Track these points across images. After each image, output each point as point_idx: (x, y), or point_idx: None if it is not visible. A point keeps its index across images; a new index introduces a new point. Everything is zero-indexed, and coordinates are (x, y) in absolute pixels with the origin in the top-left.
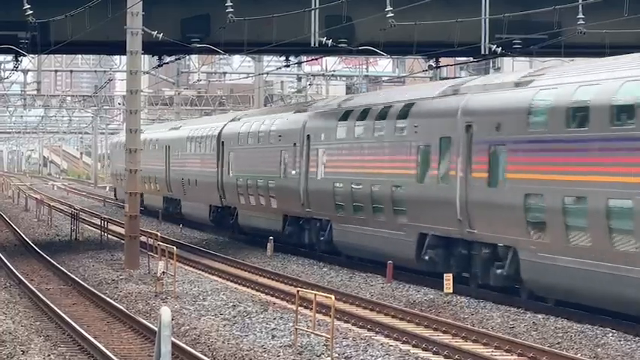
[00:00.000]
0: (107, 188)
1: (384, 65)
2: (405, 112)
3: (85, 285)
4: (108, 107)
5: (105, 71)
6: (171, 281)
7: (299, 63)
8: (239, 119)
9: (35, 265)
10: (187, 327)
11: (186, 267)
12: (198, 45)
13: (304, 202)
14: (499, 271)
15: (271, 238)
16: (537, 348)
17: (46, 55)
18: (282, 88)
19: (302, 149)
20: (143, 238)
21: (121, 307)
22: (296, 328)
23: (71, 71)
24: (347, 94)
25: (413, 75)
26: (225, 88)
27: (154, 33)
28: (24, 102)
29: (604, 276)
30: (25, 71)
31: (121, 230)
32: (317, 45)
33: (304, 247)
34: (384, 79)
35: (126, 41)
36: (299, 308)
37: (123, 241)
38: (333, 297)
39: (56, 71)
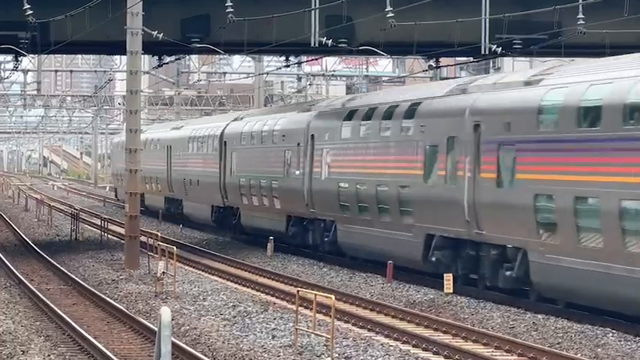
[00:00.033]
0: (107, 188)
1: (384, 65)
2: (411, 112)
3: (85, 285)
4: (108, 107)
5: (105, 71)
6: (171, 281)
7: (299, 63)
8: (241, 119)
9: (35, 265)
10: (187, 327)
11: (187, 267)
12: (199, 45)
13: (308, 202)
14: (508, 272)
15: (271, 238)
16: (537, 348)
17: (46, 55)
18: (283, 88)
19: (306, 149)
20: (143, 238)
21: (121, 307)
22: (296, 328)
23: (71, 71)
24: (347, 94)
25: (413, 75)
26: (226, 88)
27: (154, 33)
28: (24, 102)
29: (616, 278)
30: (25, 71)
31: (121, 230)
32: (317, 45)
33: (308, 248)
34: (384, 79)
35: (126, 41)
36: (299, 308)
37: (123, 241)
38: (333, 297)
39: (56, 71)
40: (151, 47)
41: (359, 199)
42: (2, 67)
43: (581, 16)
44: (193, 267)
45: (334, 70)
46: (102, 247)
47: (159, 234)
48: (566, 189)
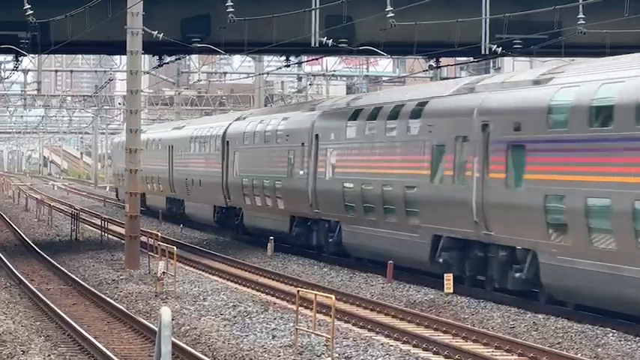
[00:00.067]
0: (107, 188)
1: (384, 65)
2: (418, 111)
3: (86, 285)
4: (108, 107)
5: (105, 71)
6: (171, 281)
7: (299, 63)
8: (244, 118)
9: (35, 265)
10: (188, 327)
11: (187, 267)
12: (199, 45)
13: (312, 202)
14: (517, 274)
15: (272, 238)
16: (538, 348)
17: (46, 55)
18: (283, 88)
19: (310, 149)
20: (143, 238)
21: (122, 307)
22: (296, 328)
23: (71, 71)
24: (347, 94)
25: (413, 75)
26: (226, 88)
27: (155, 33)
28: (24, 102)
29: (629, 280)
30: (26, 71)
31: (122, 230)
32: (317, 45)
33: (312, 249)
34: (384, 79)
35: (126, 41)
36: (299, 308)
37: (123, 241)
38: (333, 297)
39: (56, 71)
40: (151, 47)
41: (364, 200)
42: (2, 67)
43: (581, 16)
44: (193, 267)
45: (334, 70)
46: (102, 247)
47: (159, 234)
48: (578, 189)
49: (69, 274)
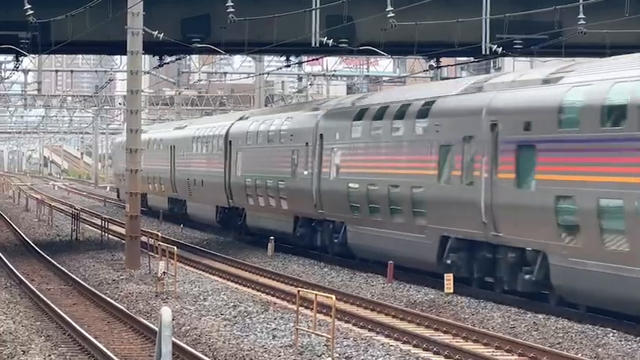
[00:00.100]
0: (108, 188)
1: (384, 65)
2: (425, 111)
3: (86, 285)
4: (108, 107)
5: (105, 71)
6: (171, 281)
7: (299, 63)
8: (247, 118)
9: (36, 265)
10: (188, 327)
11: (187, 267)
12: (199, 45)
13: (317, 203)
14: (527, 276)
15: (272, 238)
16: (538, 348)
17: (46, 55)
18: (283, 88)
19: (315, 149)
20: (144, 239)
21: (122, 307)
22: (297, 328)
23: (72, 71)
24: (348, 94)
25: (414, 75)
26: (226, 88)
27: (155, 33)
28: (24, 102)
29: None
30: (26, 71)
31: (122, 230)
32: (318, 45)
33: (316, 250)
34: (384, 79)
35: (126, 41)
36: (300, 308)
37: (123, 241)
38: (333, 297)
39: (57, 71)
40: (151, 47)
41: (370, 200)
42: (3, 67)
43: (581, 16)
44: (194, 267)
45: (335, 70)
46: (102, 247)
47: (159, 234)
48: (590, 190)
49: (69, 274)
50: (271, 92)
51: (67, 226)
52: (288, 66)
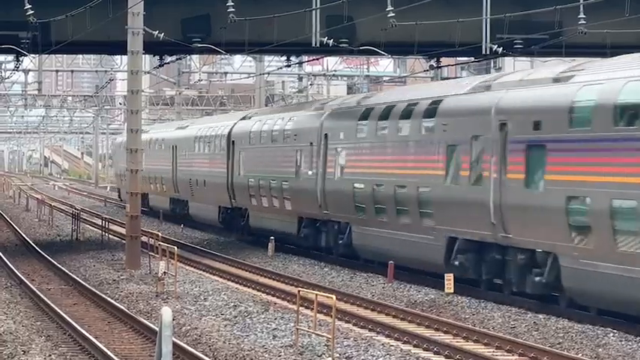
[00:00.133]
0: (108, 188)
1: (385, 65)
2: (432, 110)
3: (86, 285)
4: (109, 107)
5: (106, 71)
6: (172, 281)
7: (300, 63)
8: (250, 118)
9: (36, 265)
10: (188, 327)
11: (188, 267)
12: (199, 45)
13: (321, 203)
14: (537, 278)
15: (272, 238)
16: (538, 348)
17: (47, 55)
18: (284, 88)
19: (319, 149)
20: (144, 239)
21: (122, 308)
22: (297, 328)
23: (72, 71)
24: (348, 94)
25: (414, 75)
26: (227, 88)
27: (155, 33)
28: (25, 102)
29: None
30: (26, 71)
31: (122, 230)
32: (318, 45)
33: (321, 251)
34: (385, 79)
35: (127, 41)
36: (300, 308)
37: (124, 242)
38: (334, 297)
39: (57, 71)
40: (151, 47)
41: (375, 201)
42: (3, 67)
43: (582, 16)
44: (194, 267)
45: (335, 70)
46: (103, 247)
47: (160, 234)
48: (602, 191)
49: (69, 274)
50: (272, 92)
51: (67, 226)
52: (289, 66)
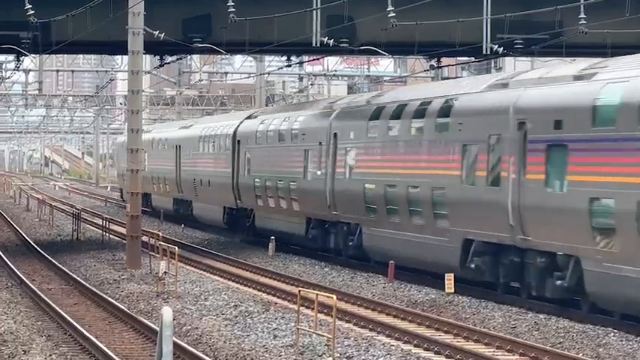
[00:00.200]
0: (109, 188)
1: (385, 65)
2: (446, 109)
3: (87, 285)
4: (109, 107)
5: (106, 71)
6: (172, 281)
7: (300, 63)
8: (256, 117)
9: (37, 265)
10: (189, 327)
11: (188, 267)
12: (200, 45)
13: (331, 204)
14: (559, 282)
15: (273, 237)
16: (539, 348)
17: (47, 55)
18: (284, 88)
19: (328, 148)
20: (145, 238)
21: (123, 307)
22: (297, 328)
23: (73, 71)
24: (349, 94)
25: (415, 75)
26: (227, 88)
27: (156, 33)
28: (25, 102)
29: None
30: (27, 71)
31: (123, 230)
32: (318, 45)
33: (330, 252)
34: (385, 78)
35: (127, 41)
36: (300, 308)
37: (124, 241)
38: (334, 297)
39: (58, 71)
40: (152, 47)
41: (387, 201)
42: (4, 67)
43: (582, 16)
44: (195, 267)
45: (336, 70)
46: (103, 247)
47: (160, 234)
48: (628, 192)
49: (70, 273)
50: (272, 92)
51: (67, 226)
52: (289, 66)
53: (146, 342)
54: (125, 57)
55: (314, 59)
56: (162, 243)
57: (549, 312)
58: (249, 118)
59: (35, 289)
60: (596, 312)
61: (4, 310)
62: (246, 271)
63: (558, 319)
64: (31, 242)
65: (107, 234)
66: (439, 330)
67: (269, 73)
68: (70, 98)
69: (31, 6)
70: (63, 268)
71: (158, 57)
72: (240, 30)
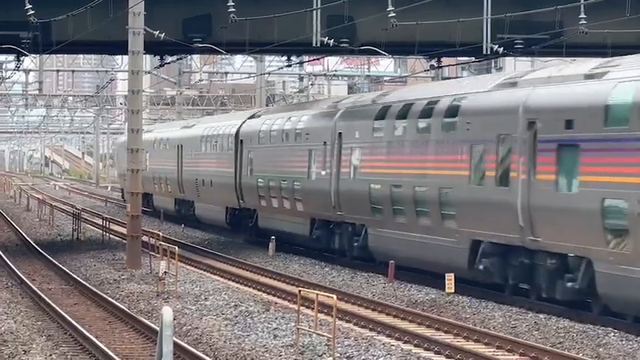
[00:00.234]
0: (109, 188)
1: (385, 65)
2: (454, 108)
3: (87, 285)
4: (110, 107)
5: (106, 71)
6: (172, 281)
7: (300, 63)
8: (259, 116)
9: (37, 264)
10: (189, 327)
11: (188, 267)
12: (200, 45)
13: (335, 204)
14: (570, 284)
15: (273, 237)
16: (539, 348)
17: (47, 55)
18: (284, 88)
19: (333, 148)
20: (145, 238)
21: (123, 307)
22: (298, 328)
23: (73, 71)
24: (349, 94)
25: (415, 75)
26: (227, 88)
27: (156, 33)
28: (26, 102)
29: None
30: (27, 71)
31: (123, 230)
32: (319, 45)
33: (334, 253)
34: (385, 79)
35: (127, 41)
36: (301, 308)
37: (125, 241)
38: (334, 297)
39: (58, 71)
40: (152, 47)
41: (393, 202)
42: (4, 67)
43: (582, 16)
44: (195, 267)
45: (336, 70)
46: (103, 247)
47: (160, 234)
48: None
49: (70, 273)
50: (272, 92)
51: (68, 226)
52: (289, 66)
53: (146, 342)
54: (125, 57)
55: (314, 59)
56: (163, 243)
57: (549, 312)
58: (251, 117)
59: (35, 289)
60: (607, 314)
61: (4, 310)
62: (247, 271)
63: (558, 319)
64: (32, 242)
65: (107, 234)
66: (439, 330)
67: (269, 73)
68: (70, 98)
69: (31, 6)
70: (63, 268)
71: (158, 57)
72: (241, 30)
